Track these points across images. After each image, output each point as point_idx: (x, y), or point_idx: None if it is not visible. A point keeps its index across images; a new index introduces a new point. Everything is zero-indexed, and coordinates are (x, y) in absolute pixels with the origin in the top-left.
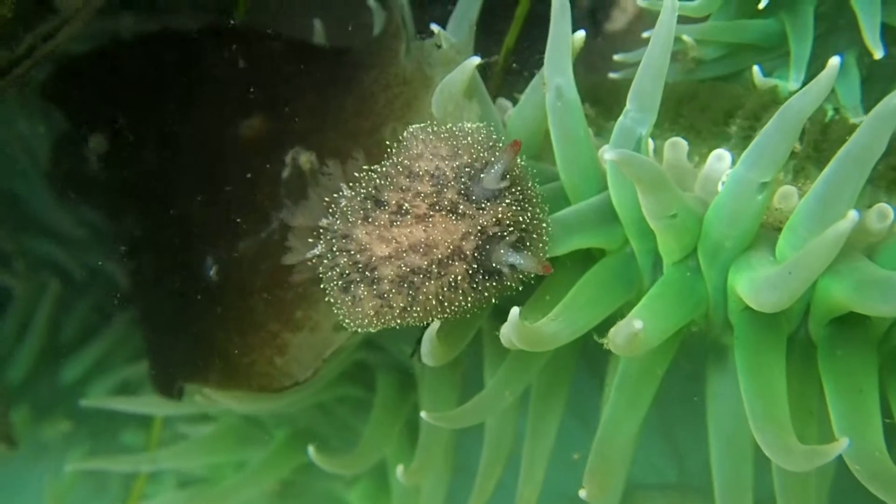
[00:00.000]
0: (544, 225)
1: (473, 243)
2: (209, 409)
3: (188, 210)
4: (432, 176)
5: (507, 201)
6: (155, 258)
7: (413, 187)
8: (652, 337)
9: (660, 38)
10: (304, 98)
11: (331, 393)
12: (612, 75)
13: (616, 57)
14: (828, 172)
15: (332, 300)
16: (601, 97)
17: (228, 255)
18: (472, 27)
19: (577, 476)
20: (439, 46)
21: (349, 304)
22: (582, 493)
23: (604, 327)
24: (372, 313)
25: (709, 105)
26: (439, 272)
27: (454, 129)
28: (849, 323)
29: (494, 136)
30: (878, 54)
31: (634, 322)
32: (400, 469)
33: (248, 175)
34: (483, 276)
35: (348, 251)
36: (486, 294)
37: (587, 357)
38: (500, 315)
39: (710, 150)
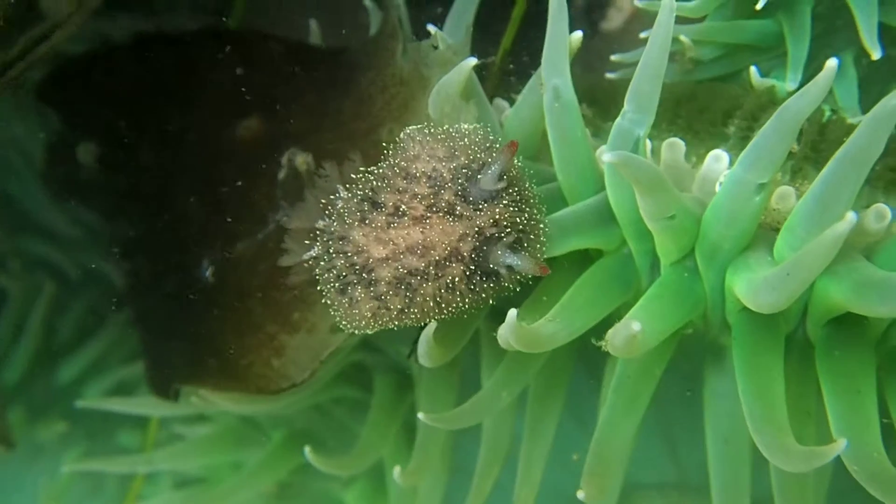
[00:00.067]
0: (541, 226)
1: (471, 245)
2: (206, 410)
3: (184, 211)
4: (429, 177)
5: (505, 202)
6: (151, 259)
7: (410, 189)
8: (650, 338)
9: (657, 39)
10: (300, 99)
11: (328, 394)
12: (609, 75)
13: (613, 57)
14: (826, 173)
15: (328, 302)
16: (598, 97)
17: (225, 257)
18: (469, 28)
19: (575, 477)
20: (436, 47)
21: (346, 306)
22: (580, 495)
23: (601, 328)
24: (369, 315)
25: (706, 105)
26: (436, 274)
27: (451, 130)
28: (847, 323)
29: (491, 137)
30: (876, 55)
31: (632, 324)
32: (397, 470)
33: (245, 176)
34: (480, 278)
35: (345, 253)
36: (483, 295)
37: (585, 358)
38: (498, 316)
39: (708, 151)
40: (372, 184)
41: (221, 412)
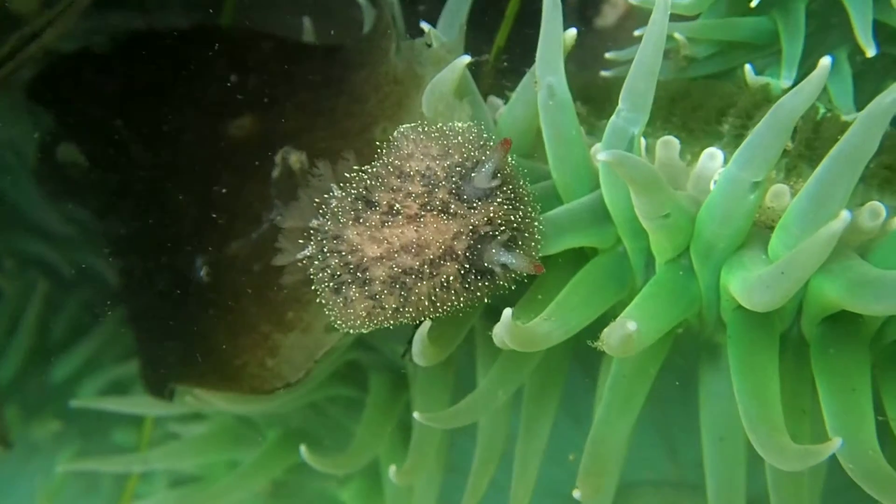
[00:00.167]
0: (536, 224)
1: (465, 243)
2: (201, 410)
3: (178, 210)
4: (423, 176)
5: (499, 200)
6: (144, 258)
7: (404, 187)
8: (645, 337)
9: (652, 37)
10: (293, 97)
11: (323, 393)
12: (603, 73)
13: (608, 55)
14: (820, 171)
15: (323, 301)
16: (593, 95)
17: (219, 256)
18: (463, 26)
19: (571, 475)
20: (429, 45)
21: (341, 305)
22: (576, 494)
23: (597, 327)
24: (364, 314)
25: (701, 103)
26: (431, 272)
27: (444, 128)
28: (841, 321)
29: (485, 135)
30: (871, 52)
31: (628, 323)
32: (392, 469)
33: (239, 175)
34: (475, 276)
35: (339, 252)
36: (478, 294)
37: (580, 356)
38: (493, 314)
39: (703, 149)
40: (366, 182)
41: (217, 411)
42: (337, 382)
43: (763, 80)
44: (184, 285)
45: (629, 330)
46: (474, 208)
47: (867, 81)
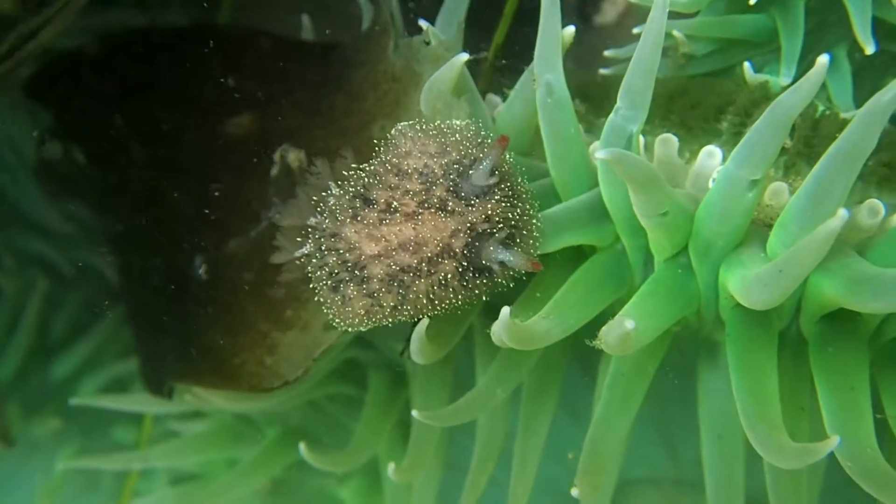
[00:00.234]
0: (534, 221)
1: (463, 241)
2: (200, 408)
3: (176, 208)
4: (421, 173)
5: (497, 198)
6: (143, 257)
7: (402, 185)
8: (643, 335)
9: (650, 35)
10: (292, 95)
11: (322, 391)
12: (602, 71)
13: (606, 53)
14: (818, 169)
15: (321, 300)
16: (591, 92)
17: (217, 254)
18: (461, 23)
19: (569, 473)
20: (428, 43)
21: (339, 303)
22: (574, 492)
23: (595, 325)
24: (362, 312)
25: (699, 101)
26: (429, 270)
27: (442, 125)
28: (840, 319)
29: (483, 133)
30: (870, 50)
31: (626, 321)
32: (391, 467)
33: (237, 173)
34: (473, 274)
35: (337, 250)
36: (476, 291)
37: (579, 354)
38: (492, 312)
39: (701, 147)
40: (364, 180)
41: (216, 409)
42: (336, 380)
43: (762, 77)
44: (182, 283)
45: (627, 328)
46: (472, 206)
47: (866, 79)
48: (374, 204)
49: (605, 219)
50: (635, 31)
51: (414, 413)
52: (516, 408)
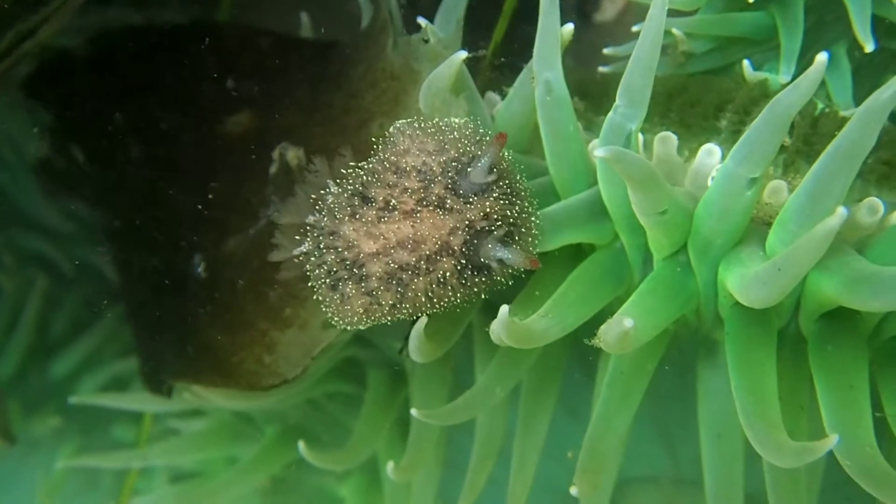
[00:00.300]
0: (533, 219)
1: (461, 238)
2: (199, 406)
3: (175, 207)
4: (419, 171)
5: (495, 195)
6: (142, 255)
7: (400, 183)
8: (642, 334)
9: (649, 33)
10: (290, 94)
11: (321, 389)
12: (601, 69)
13: (605, 51)
14: (817, 168)
15: (320, 298)
16: (590, 90)
17: (216, 253)
18: (460, 21)
19: (569, 471)
20: (426, 41)
21: (338, 302)
22: (573, 491)
23: (594, 323)
24: (361, 311)
25: (699, 99)
26: (427, 268)
27: (440, 123)
28: (839, 318)
29: (481, 131)
30: (869, 48)
31: (624, 320)
32: (390, 466)
33: (236, 171)
34: (472, 272)
35: (336, 248)
36: (475, 290)
37: (578, 352)
38: (491, 310)
39: (700, 145)
40: (362, 178)
41: (216, 408)
42: (335, 379)
43: (761, 75)
44: (181, 282)
45: (626, 327)
46: (470, 203)
47: (866, 76)
48: (372, 202)
49: (604, 217)
50: (634, 28)
51: (413, 411)
52: (515, 406)
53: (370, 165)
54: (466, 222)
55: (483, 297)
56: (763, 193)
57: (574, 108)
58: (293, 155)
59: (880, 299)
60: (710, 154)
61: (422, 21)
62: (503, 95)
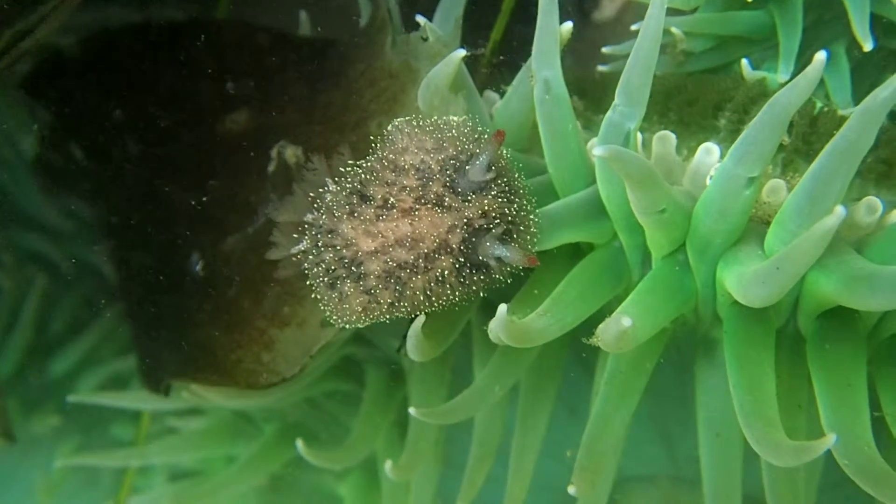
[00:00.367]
0: (532, 217)
1: (460, 236)
2: (198, 405)
3: (174, 205)
4: (417, 169)
5: (493, 193)
6: (140, 253)
7: (399, 181)
8: (641, 332)
9: (648, 32)
10: (289, 92)
11: (320, 388)
12: (600, 68)
13: (604, 50)
14: (816, 167)
15: (318, 297)
16: (589, 89)
17: (215, 251)
18: (459, 19)
19: (567, 470)
20: (425, 39)
21: (336, 300)
22: (571, 490)
23: (593, 322)
24: (359, 309)
25: (697, 98)
26: (426, 266)
27: (439, 121)
28: (838, 317)
29: (480, 129)
30: (868, 47)
31: (623, 319)
32: (388, 464)
33: (234, 170)
34: (470, 270)
35: (334, 246)
36: (473, 288)
37: (577, 350)
38: (490, 309)
39: (699, 144)
40: (360, 177)
41: (215, 406)
42: (333, 377)
43: (760, 74)
44: (180, 280)
45: (624, 326)
46: (469, 201)
47: (865, 75)
48: (370, 200)
49: (602, 216)
50: (633, 27)
51: (411, 410)
52: (514, 405)
53: (368, 163)
54: (465, 220)
55: (482, 295)
56: (762, 192)
57: (573, 107)
58: (291, 153)
59: (879, 298)
60: (708, 153)
61: (420, 19)
62: (502, 94)
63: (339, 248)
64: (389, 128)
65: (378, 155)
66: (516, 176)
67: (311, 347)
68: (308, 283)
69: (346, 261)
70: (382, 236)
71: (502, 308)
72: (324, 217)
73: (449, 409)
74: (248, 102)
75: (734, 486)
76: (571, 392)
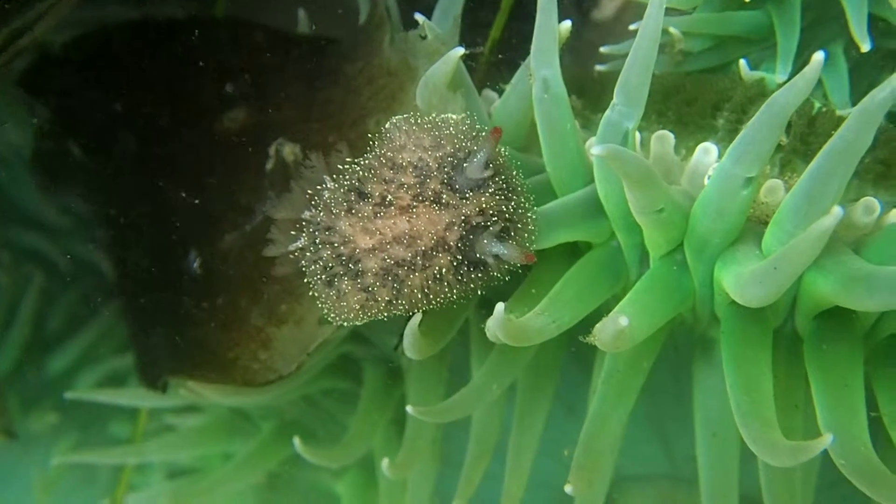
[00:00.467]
0: (529, 214)
1: (457, 234)
2: (195, 402)
3: (171, 202)
4: (415, 167)
5: (491, 190)
6: (138, 251)
7: (396, 179)
8: (638, 332)
9: (647, 32)
10: (287, 89)
11: (317, 385)
12: (598, 67)
13: (603, 49)
14: (813, 167)
15: (316, 295)
16: (588, 88)
17: (212, 248)
18: (458, 17)
19: (565, 469)
20: (424, 37)
21: (334, 298)
22: (568, 489)
23: (590, 321)
24: (357, 307)
25: (696, 98)
26: (424, 264)
27: (437, 119)
28: (835, 317)
29: (478, 126)
30: (865, 47)
31: (620, 318)
32: (385, 463)
33: (232, 167)
34: (468, 268)
35: (332, 243)
36: (471, 285)
37: (575, 349)
38: (487, 307)
39: (697, 143)
40: (358, 174)
41: (212, 403)
42: (331, 375)
43: (758, 74)
44: (177, 278)
45: (621, 325)
46: (466, 199)
47: (863, 75)
48: (368, 197)
49: (600, 215)
50: (632, 27)
51: (409, 408)
52: (511, 404)
53: (366, 161)
54: (462, 218)
55: (479, 293)
56: (759, 192)
57: (571, 106)
58: (289, 150)
59: (876, 299)
60: (706, 153)
61: (419, 17)
62: (500, 92)
63: (336, 245)
64: (387, 125)
65: (376, 152)
66: (514, 173)
67: (309, 345)
68: (306, 280)
69: (344, 258)
70: (380, 233)
71: (500, 306)
72: (321, 214)
73: (446, 408)
74: (247, 100)
75: (731, 485)
76: (569, 391)
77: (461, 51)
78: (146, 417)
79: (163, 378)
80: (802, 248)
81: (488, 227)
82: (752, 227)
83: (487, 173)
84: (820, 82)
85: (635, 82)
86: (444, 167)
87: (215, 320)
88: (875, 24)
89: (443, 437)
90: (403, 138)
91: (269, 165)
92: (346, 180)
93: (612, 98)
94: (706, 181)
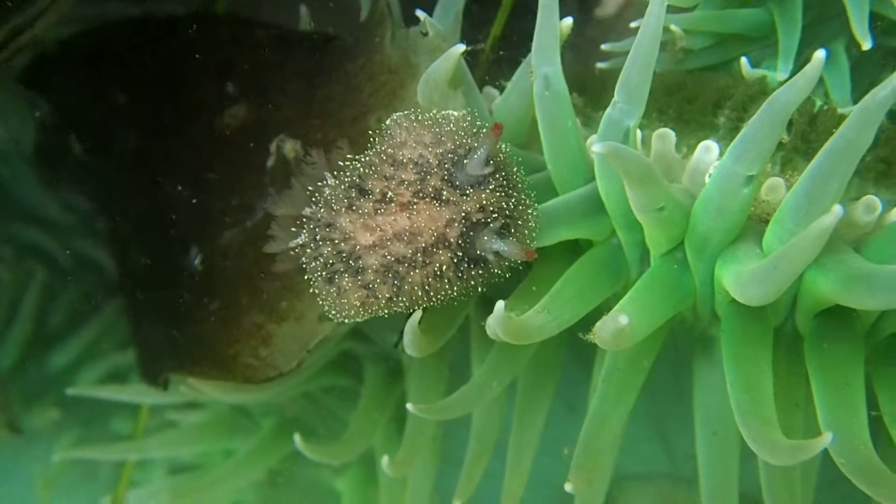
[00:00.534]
0: (530, 211)
1: (458, 230)
2: (196, 399)
3: (172, 199)
4: (416, 164)
5: (491, 187)
6: (139, 247)
7: (397, 175)
8: (638, 330)
9: (648, 29)
10: (288, 86)
11: (317, 383)
12: (600, 65)
13: (604, 47)
14: (814, 166)
15: (316, 291)
16: (589, 85)
17: (213, 245)
18: (459, 14)
19: (565, 467)
20: (425, 34)
21: (334, 295)
22: (568, 487)
23: (591, 319)
24: (357, 304)
25: (697, 95)
26: (424, 261)
27: (437, 115)
28: (836, 316)
29: (478, 123)
30: (867, 45)
31: (620, 317)
32: (385, 460)
33: (233, 164)
34: (468, 265)
35: (332, 240)
36: (471, 282)
37: (575, 347)
38: (488, 305)
39: (698, 141)
40: (359, 171)
41: (212, 400)
42: (331, 372)
43: (759, 72)
44: (178, 274)
45: (621, 323)
46: (467, 195)
47: (864, 74)
48: (369, 194)
49: (601, 213)
50: (633, 24)
51: (409, 406)
52: (512, 402)
53: (367, 158)
54: (463, 214)
55: (480, 291)
56: (760, 190)
57: (572, 104)
58: (290, 147)
59: (877, 297)
60: (707, 151)
61: (420, 14)
62: (501, 90)
63: (337, 241)
64: (388, 122)
65: (377, 149)
66: (515, 170)
67: (309, 342)
68: (306, 277)
69: (345, 255)
70: (380, 230)
71: (500, 304)
72: (322, 211)
73: (447, 405)
74: (247, 96)
75: (731, 484)
76: (569, 389)
77: (462, 48)
78: (147, 414)
79: (164, 375)
80: (803, 247)
81: (489, 223)
82: (753, 225)
83: (488, 170)
84: (821, 80)
85: (636, 80)
86: (445, 164)
87: (216, 317)
88: (877, 23)
89: (443, 435)
90: (404, 135)
91: (270, 162)
92: (347, 177)
93: (613, 95)
94: (707, 179)
